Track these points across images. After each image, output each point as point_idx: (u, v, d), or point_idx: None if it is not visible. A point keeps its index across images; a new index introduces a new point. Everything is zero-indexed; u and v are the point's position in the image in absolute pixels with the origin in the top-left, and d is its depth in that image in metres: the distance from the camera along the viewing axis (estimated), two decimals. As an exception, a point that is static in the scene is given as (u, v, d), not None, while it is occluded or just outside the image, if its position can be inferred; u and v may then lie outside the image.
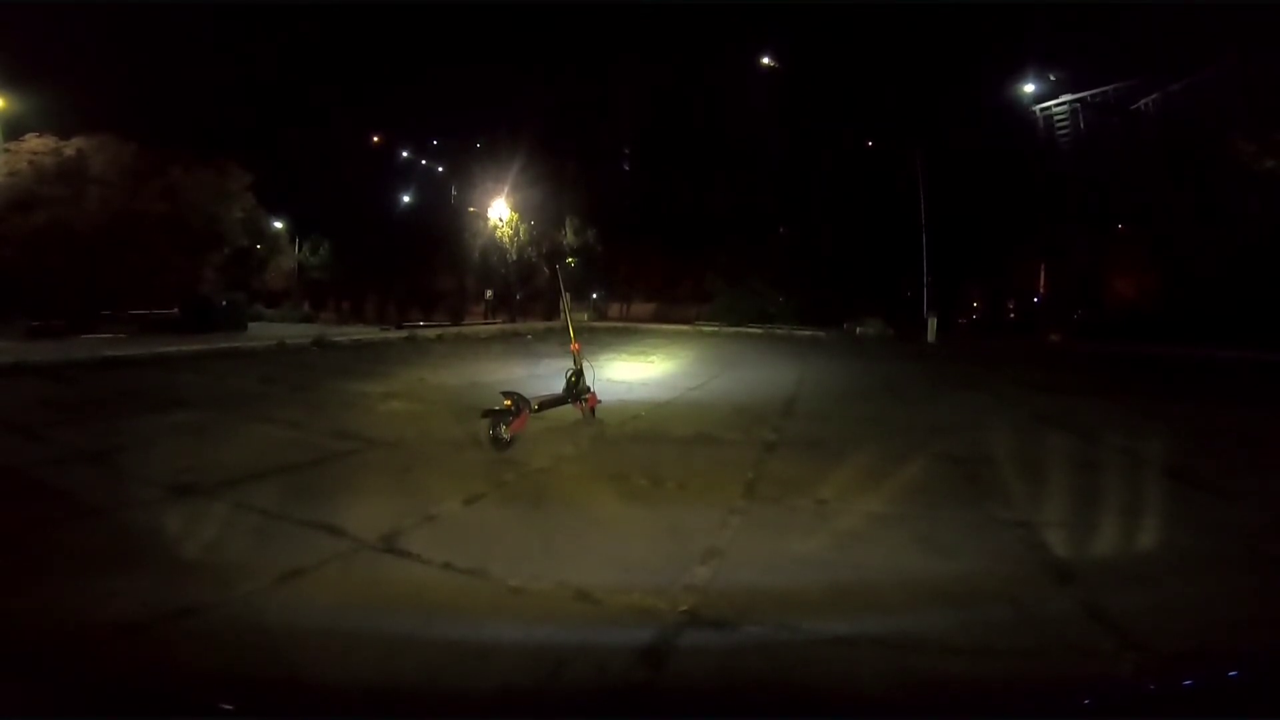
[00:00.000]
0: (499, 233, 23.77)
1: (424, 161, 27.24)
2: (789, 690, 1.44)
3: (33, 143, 14.76)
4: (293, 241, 24.11)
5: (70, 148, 15.00)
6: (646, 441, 4.04)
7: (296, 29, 23.14)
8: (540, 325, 17.80)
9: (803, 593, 1.91)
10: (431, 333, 13.62)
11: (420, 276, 23.98)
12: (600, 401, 4.49)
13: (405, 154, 26.99)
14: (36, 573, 1.90)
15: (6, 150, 14.54)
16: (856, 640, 1.63)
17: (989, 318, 23.17)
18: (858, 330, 17.87)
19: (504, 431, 3.59)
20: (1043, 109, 22.46)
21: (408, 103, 25.85)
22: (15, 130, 14.87)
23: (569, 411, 4.37)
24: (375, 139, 26.46)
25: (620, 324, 19.87)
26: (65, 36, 16.20)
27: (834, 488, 3.01)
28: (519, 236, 23.92)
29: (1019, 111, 22.30)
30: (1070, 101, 21.84)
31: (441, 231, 24.33)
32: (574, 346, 4.46)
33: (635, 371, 7.61)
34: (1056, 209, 20.12)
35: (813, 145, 23.38)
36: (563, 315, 5.20)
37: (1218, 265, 15.49)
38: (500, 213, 23.58)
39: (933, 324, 15.95)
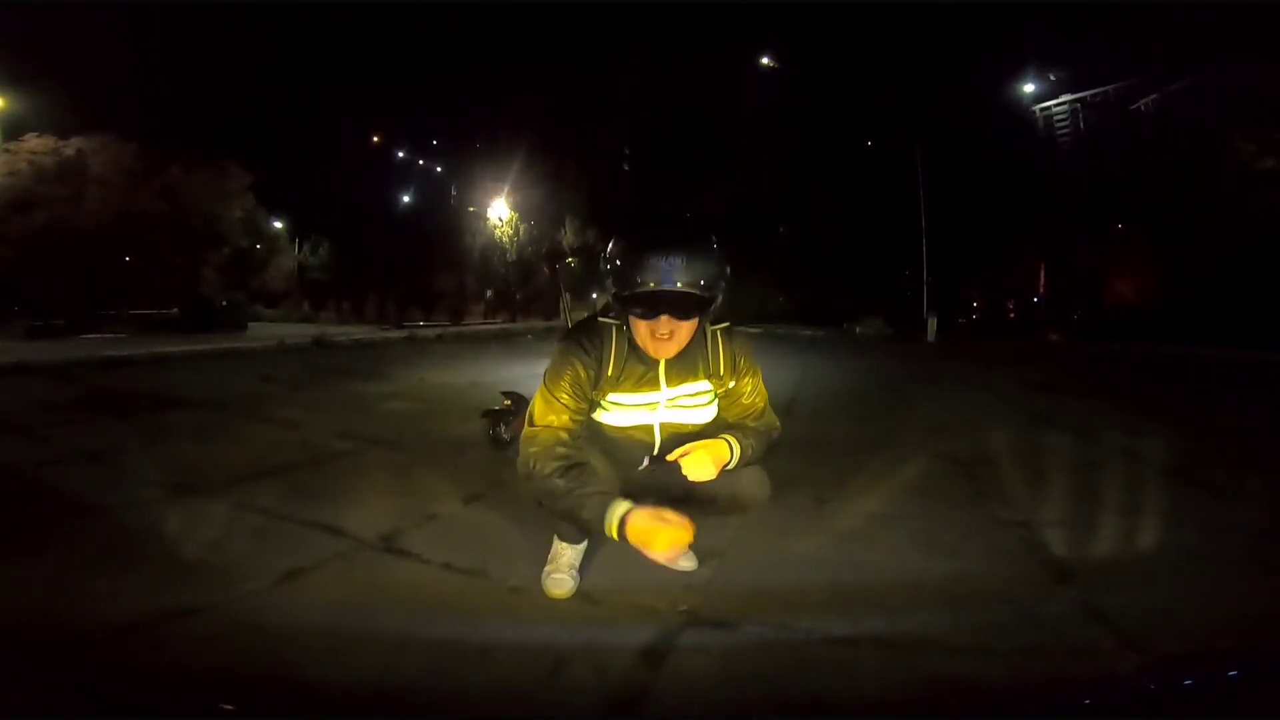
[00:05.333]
0: (498, 232, 23.80)
1: (423, 161, 27.23)
2: (789, 690, 1.44)
3: (32, 142, 14.75)
4: (293, 241, 24.09)
5: (70, 147, 14.99)
6: (646, 441, 4.03)
7: (297, 29, 23.11)
8: (540, 325, 17.80)
9: (803, 592, 1.91)
10: (431, 332, 13.64)
11: (420, 276, 23.98)
12: (600, 401, 4.49)
13: (404, 154, 26.98)
14: (36, 572, 1.90)
15: (6, 150, 14.53)
16: (857, 640, 1.63)
17: (989, 317, 23.17)
18: (857, 330, 17.90)
19: (504, 431, 3.58)
20: (1043, 109, 22.46)
21: (407, 102, 25.81)
22: (15, 130, 14.87)
23: (569, 411, 4.36)
24: (375, 139, 26.44)
25: (620, 324, 19.81)
26: (65, 36, 16.18)
27: (834, 487, 3.01)
28: (519, 236, 23.94)
29: (1019, 111, 22.32)
30: (1070, 101, 21.85)
31: (441, 231, 24.34)
32: (574, 346, 4.45)
33: (635, 371, 7.56)
34: (1057, 209, 20.11)
35: (813, 145, 23.38)
36: (563, 315, 5.19)
37: (1218, 265, 15.49)
38: (500, 212, 23.61)
39: (932, 323, 15.98)
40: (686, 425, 1.85)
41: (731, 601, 1.84)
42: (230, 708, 1.29)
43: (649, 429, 1.85)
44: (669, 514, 1.54)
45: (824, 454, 3.70)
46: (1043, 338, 17.73)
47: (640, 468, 1.90)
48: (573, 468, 1.65)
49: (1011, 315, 23.06)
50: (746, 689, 1.45)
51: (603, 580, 1.94)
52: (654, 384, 1.80)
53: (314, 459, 3.35)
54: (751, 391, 1.87)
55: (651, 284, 1.62)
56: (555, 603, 1.82)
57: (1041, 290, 22.07)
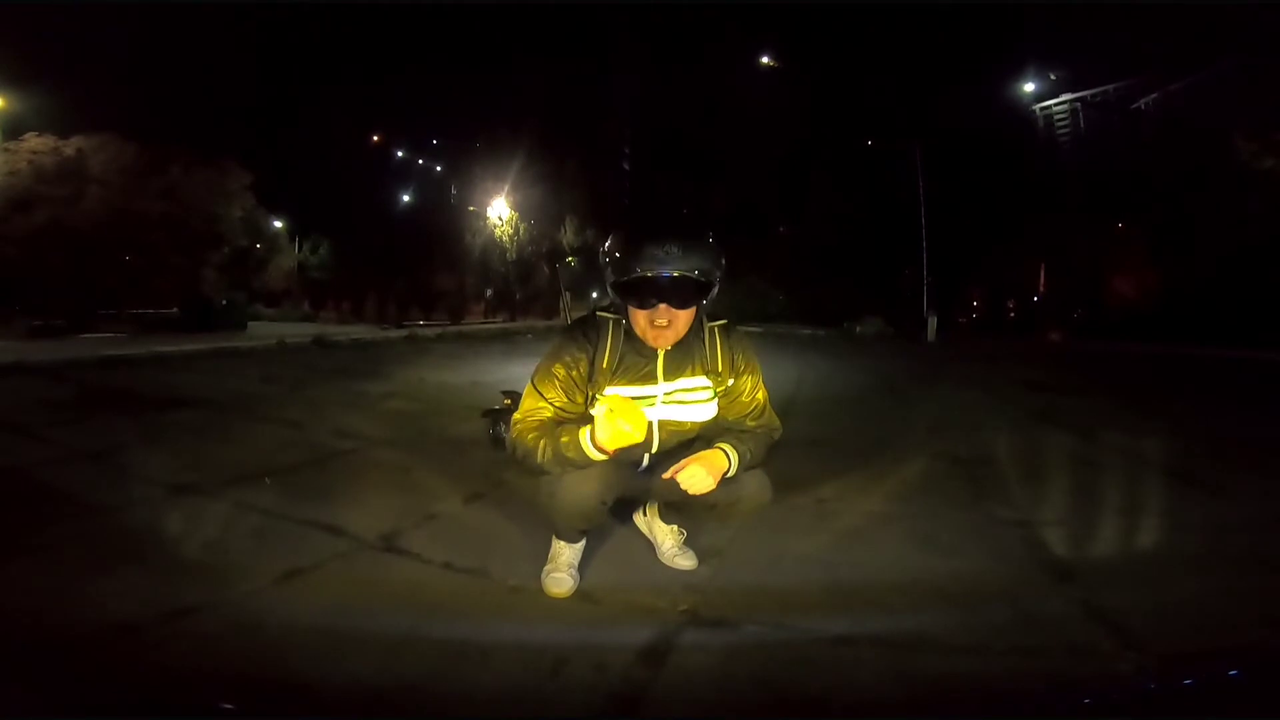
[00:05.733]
0: (498, 232, 23.79)
1: (422, 161, 27.21)
2: (789, 690, 1.44)
3: (32, 142, 14.76)
4: (293, 241, 24.09)
5: (70, 147, 14.99)
6: (646, 441, 4.03)
7: (296, 28, 23.09)
8: (540, 324, 17.78)
9: (803, 592, 1.91)
10: (431, 332, 13.60)
11: (420, 276, 23.96)
12: (600, 401, 4.48)
13: (404, 153, 26.96)
14: (35, 572, 1.90)
15: (6, 150, 14.54)
16: (856, 640, 1.63)
17: (989, 317, 23.17)
18: (857, 329, 17.86)
19: (504, 431, 3.57)
20: (1043, 108, 22.48)
21: (407, 102, 25.80)
22: (15, 130, 14.86)
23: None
24: (375, 138, 26.42)
25: (620, 323, 19.78)
26: (65, 36, 16.17)
27: (834, 487, 3.01)
28: (518, 235, 23.93)
29: (1019, 110, 22.33)
30: (1070, 101, 21.87)
31: (441, 231, 24.33)
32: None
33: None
34: (1057, 208, 20.11)
35: (812, 144, 23.36)
36: (563, 314, 5.20)
37: (1218, 265, 15.49)
38: (500, 212, 23.61)
39: (932, 323, 15.94)
40: (685, 423, 1.86)
41: (731, 601, 1.84)
42: (230, 707, 1.30)
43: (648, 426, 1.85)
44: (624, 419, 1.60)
45: (824, 453, 3.69)
46: (1043, 337, 17.73)
47: (640, 467, 1.90)
48: (541, 425, 1.74)
49: (1012, 314, 23.07)
50: (746, 689, 1.45)
51: (603, 579, 1.94)
52: (651, 378, 1.81)
53: (314, 458, 3.35)
54: (751, 390, 1.88)
55: (649, 273, 1.67)
56: (555, 602, 1.82)
57: (1042, 290, 22.07)
